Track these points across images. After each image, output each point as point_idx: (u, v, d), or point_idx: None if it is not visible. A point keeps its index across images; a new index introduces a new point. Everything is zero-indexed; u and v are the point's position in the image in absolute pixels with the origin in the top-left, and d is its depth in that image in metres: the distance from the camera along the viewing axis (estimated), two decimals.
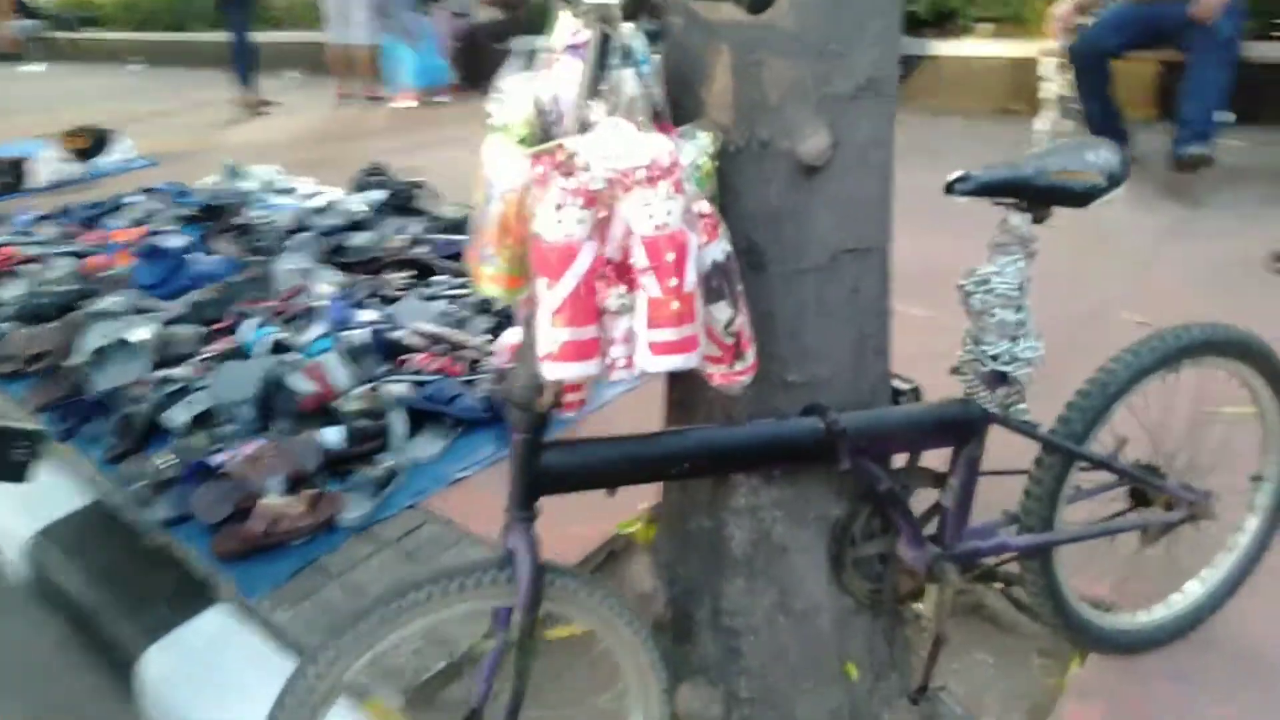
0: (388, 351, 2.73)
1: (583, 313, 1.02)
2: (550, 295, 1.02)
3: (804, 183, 1.24)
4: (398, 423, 2.43)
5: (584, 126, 1.10)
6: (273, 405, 2.47)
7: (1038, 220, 1.29)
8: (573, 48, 1.13)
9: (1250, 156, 4.43)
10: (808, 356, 1.34)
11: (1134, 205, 3.86)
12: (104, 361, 2.76)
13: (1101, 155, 1.26)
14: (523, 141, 1.19)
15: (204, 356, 2.74)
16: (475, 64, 7.78)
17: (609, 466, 1.23)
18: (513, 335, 2.99)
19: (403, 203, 3.97)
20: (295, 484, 2.22)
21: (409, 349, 2.71)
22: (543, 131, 1.21)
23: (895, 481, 1.37)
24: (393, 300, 3.05)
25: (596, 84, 1.10)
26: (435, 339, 2.67)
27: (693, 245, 1.04)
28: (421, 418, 2.48)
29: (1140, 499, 1.56)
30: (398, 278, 3.18)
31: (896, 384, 1.46)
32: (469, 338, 2.73)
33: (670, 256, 1.02)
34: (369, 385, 2.49)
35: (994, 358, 1.32)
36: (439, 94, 7.66)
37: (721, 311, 1.10)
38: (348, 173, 4.48)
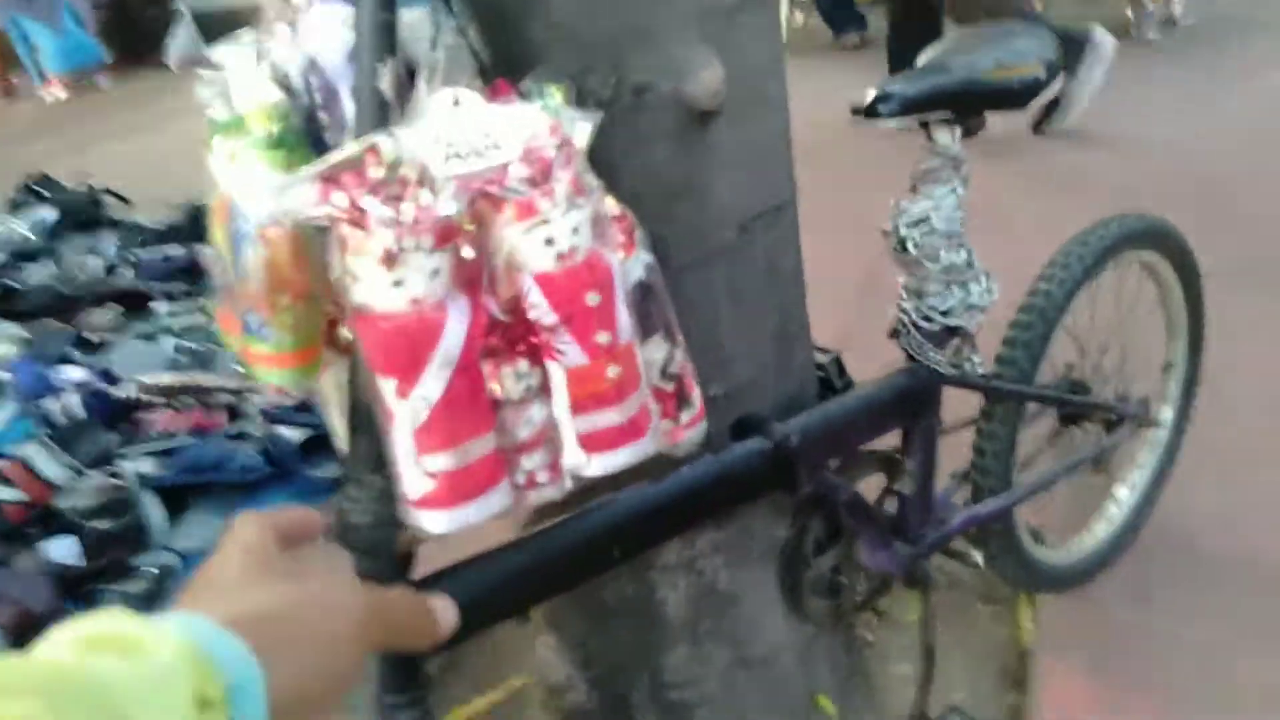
0: (112, 417, 2.12)
1: (467, 420, 0.63)
2: (407, 404, 0.62)
3: (697, 137, 0.90)
4: (153, 511, 1.87)
5: (380, 107, 0.69)
6: None
7: (969, 133, 1.03)
8: None
9: None
10: (728, 362, 1.02)
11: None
12: None
13: (1035, 41, 1.01)
14: (279, 146, 0.76)
15: None
16: (131, 33, 6.57)
17: (513, 589, 0.86)
18: None
19: (84, 219, 3.18)
20: (23, 630, 1.64)
21: (140, 406, 2.11)
22: (303, 124, 0.78)
23: (849, 484, 1.10)
24: (101, 347, 2.39)
25: (388, 33, 0.69)
26: (175, 390, 2.09)
27: (617, 270, 0.67)
28: (182, 495, 1.94)
29: (1071, 420, 1.41)
30: (101, 317, 2.50)
31: (818, 357, 1.18)
32: (219, 379, 2.17)
33: (592, 298, 0.65)
34: (101, 471, 1.90)
35: (944, 312, 1.07)
36: (93, 76, 6.42)
37: (656, 350, 0.75)
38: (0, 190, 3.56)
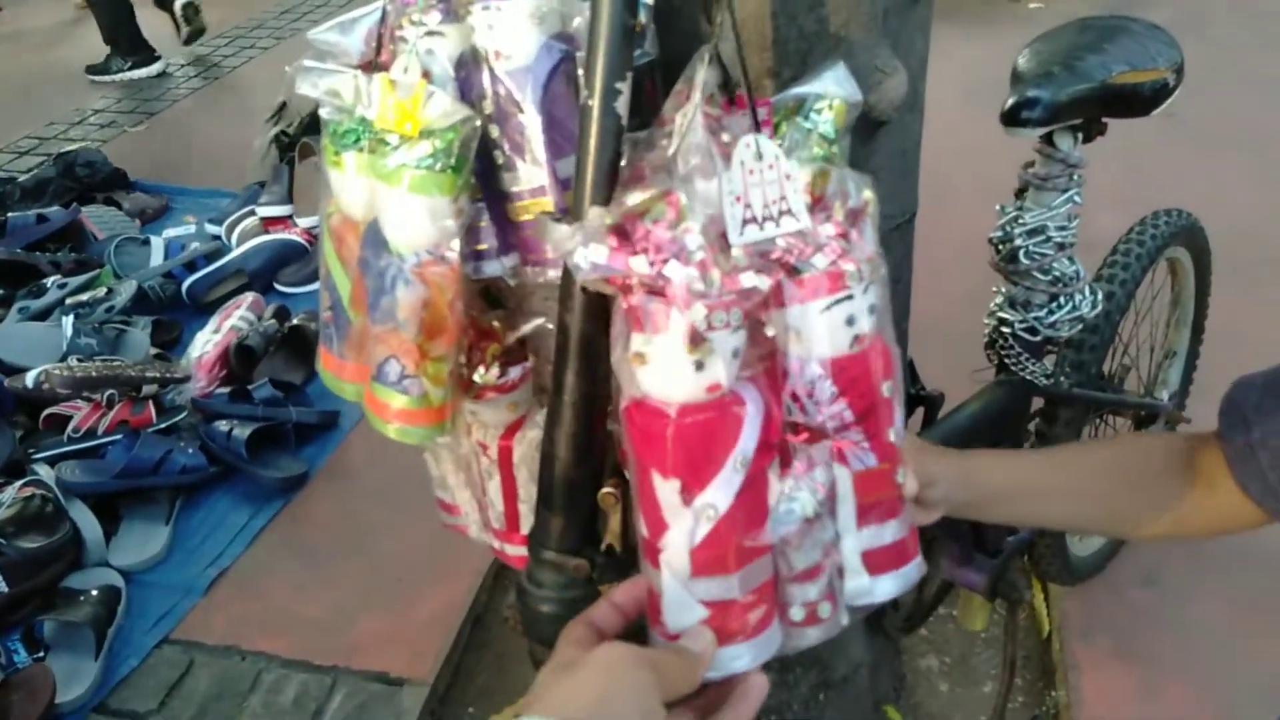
0: (9, 411, 1.84)
1: (753, 538, 0.53)
2: (689, 514, 0.52)
3: (861, 150, 0.81)
4: (85, 523, 1.64)
5: (618, 137, 0.56)
6: None
7: (1089, 139, 0.99)
8: None
9: None
10: None
11: None
12: None
13: (1162, 44, 0.97)
14: (457, 170, 0.61)
15: None
16: None
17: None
18: (204, 343, 2.20)
19: None
20: None
21: (45, 401, 1.84)
22: (476, 143, 0.63)
23: None
24: None
25: (629, 42, 0.56)
26: (91, 383, 1.83)
27: (895, 352, 0.58)
28: (113, 505, 1.71)
29: (1100, 416, 1.42)
30: None
31: None
32: (140, 365, 1.92)
33: (888, 388, 0.56)
34: (18, 480, 1.64)
35: (1051, 325, 1.03)
36: None
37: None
38: None
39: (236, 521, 1.74)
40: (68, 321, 2.03)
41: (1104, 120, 0.98)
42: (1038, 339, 1.05)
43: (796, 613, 0.56)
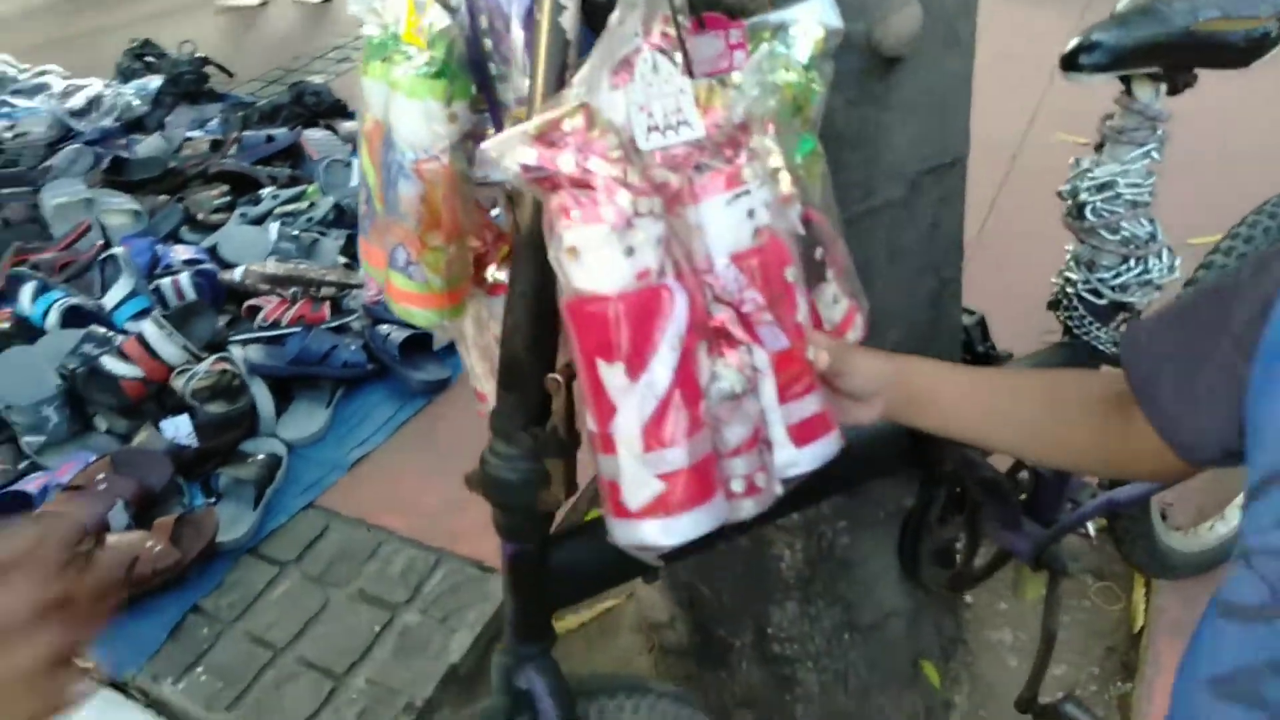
0: (219, 301, 2.15)
1: (693, 412, 0.59)
2: (635, 393, 0.57)
3: (877, 84, 0.82)
4: (262, 398, 1.91)
5: (562, 48, 0.62)
6: (86, 400, 1.89)
7: (1175, 91, 0.92)
8: None
9: None
10: (878, 321, 0.95)
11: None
12: None
13: None
14: (441, 75, 0.70)
15: None
16: None
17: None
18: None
19: (188, 89, 3.18)
20: (143, 506, 1.71)
21: (249, 293, 2.14)
22: (466, 53, 0.72)
23: (986, 460, 1.05)
24: (209, 228, 2.41)
25: None
26: (282, 279, 2.11)
27: (791, 243, 0.62)
28: (286, 386, 1.97)
29: None
30: (208, 196, 2.51)
31: (963, 319, 1.11)
32: (324, 270, 2.18)
33: (791, 273, 0.60)
34: (214, 355, 1.94)
35: (1116, 287, 0.98)
36: None
37: (827, 290, 0.70)
38: (104, 56, 3.56)
39: (383, 414, 1.95)
40: (274, 227, 2.33)
41: (1194, 71, 0.91)
42: (1103, 302, 1.00)
43: (737, 484, 0.62)
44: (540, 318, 0.68)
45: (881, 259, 0.93)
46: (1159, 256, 0.97)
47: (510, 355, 0.70)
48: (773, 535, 1.08)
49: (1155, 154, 0.94)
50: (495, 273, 0.83)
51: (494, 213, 0.84)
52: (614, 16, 0.58)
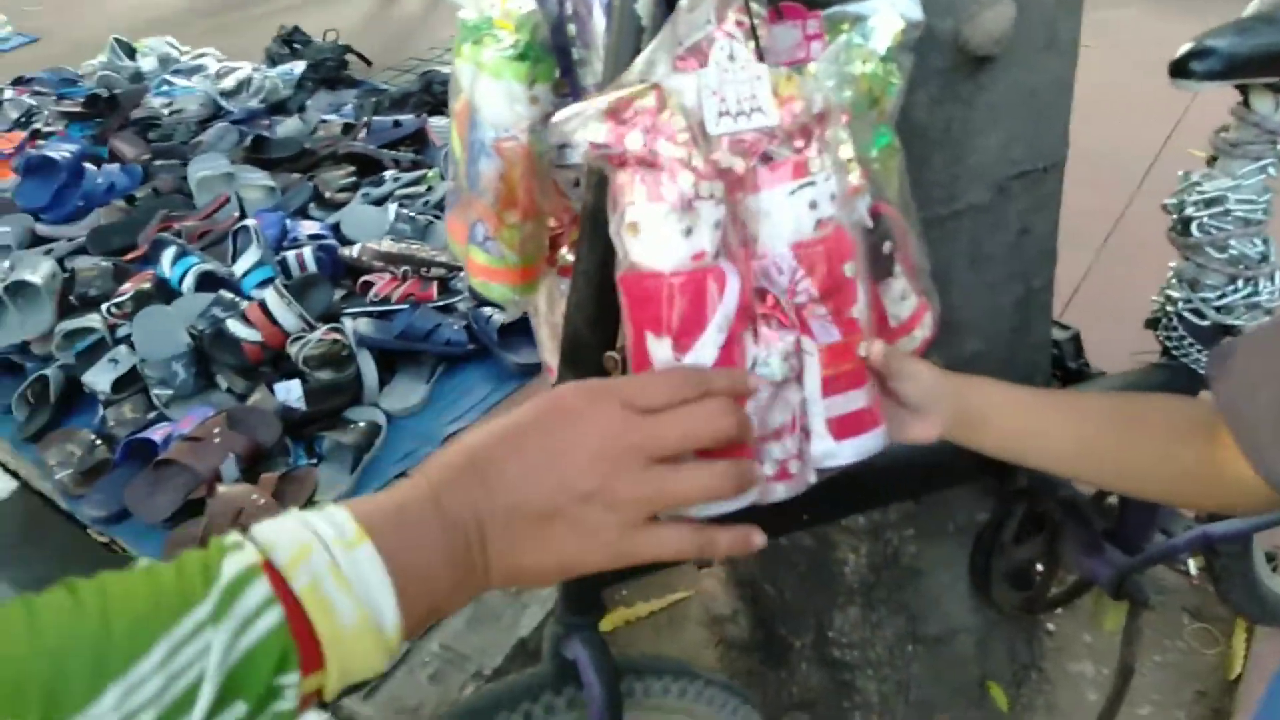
0: (336, 275, 2.26)
1: None
2: None
3: (965, 83, 0.80)
4: (368, 369, 2.01)
5: (635, 32, 0.64)
6: (211, 359, 2.03)
7: None
8: None
9: None
10: (955, 331, 0.94)
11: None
12: (1, 312, 2.27)
13: None
14: (524, 58, 0.73)
15: (119, 299, 2.25)
16: None
17: None
18: None
19: (328, 74, 3.35)
20: (252, 461, 1.83)
21: (364, 269, 2.24)
22: (549, 36, 0.74)
23: (1068, 480, 1.01)
24: (334, 206, 2.54)
25: None
26: (395, 258, 2.20)
27: (857, 236, 0.62)
28: (391, 359, 2.06)
29: None
30: (336, 175, 2.65)
31: (1054, 333, 1.07)
32: (435, 251, 2.27)
33: (849, 269, 0.60)
34: (327, 325, 2.04)
35: (1221, 309, 0.93)
36: None
37: (895, 285, 0.69)
38: (258, 40, 3.79)
39: (480, 392, 2.02)
40: (393, 208, 2.43)
41: None
42: (1206, 324, 0.94)
43: (769, 467, 0.62)
44: (601, 296, 0.69)
45: (963, 264, 0.91)
46: (1270, 279, 0.91)
47: (572, 332, 0.72)
48: (837, 537, 1.07)
49: (1272, 169, 0.88)
50: (566, 254, 0.85)
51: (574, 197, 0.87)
52: (684, 1, 0.59)
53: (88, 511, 1.78)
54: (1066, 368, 1.07)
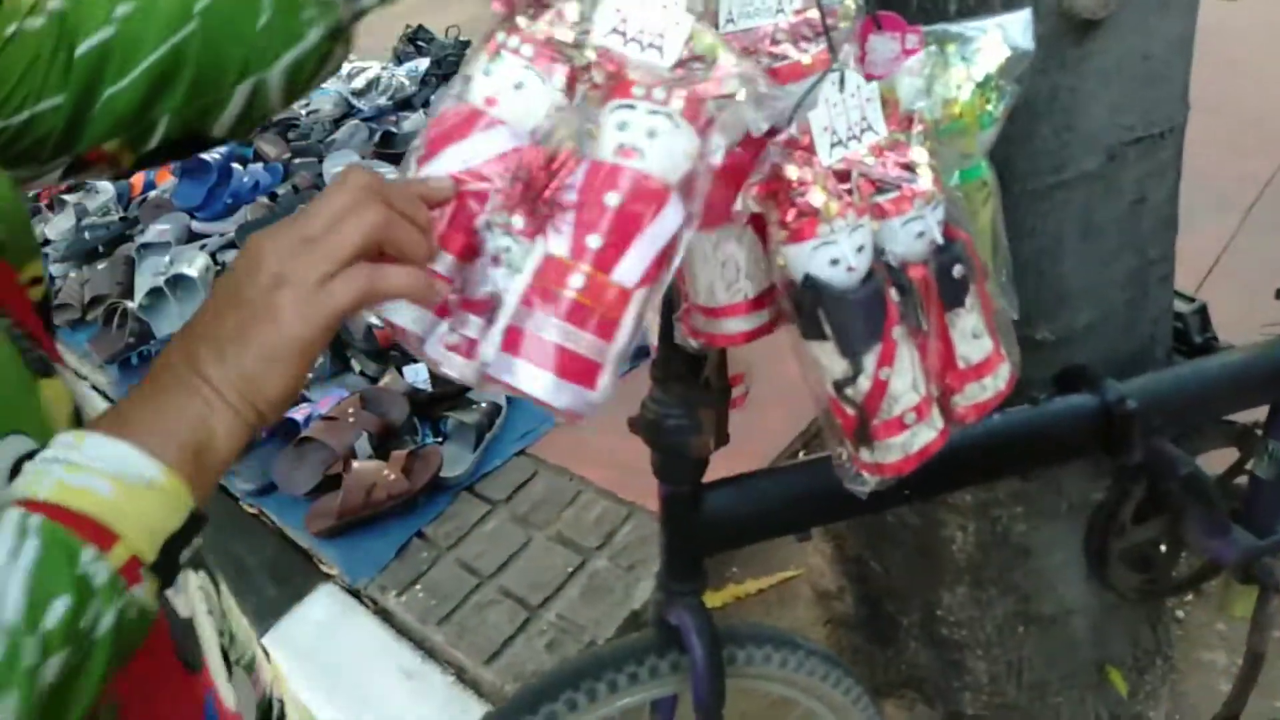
0: None
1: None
2: None
3: (1073, 50, 0.78)
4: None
5: None
6: (346, 344, 2.16)
7: None
8: None
9: None
10: (1066, 302, 0.92)
11: None
12: (162, 302, 2.48)
13: None
14: None
15: None
16: None
17: (796, 505, 0.86)
18: None
19: (451, 69, 3.48)
20: (383, 439, 1.94)
21: None
22: None
23: (1189, 458, 0.97)
24: None
25: None
26: None
27: (675, 205, 0.53)
28: None
29: None
30: None
31: (1178, 305, 1.03)
32: None
33: (611, 198, 0.52)
34: None
35: None
36: None
37: (831, 359, 0.63)
38: (384, 40, 3.97)
39: None
40: None
41: None
42: None
43: (450, 336, 0.55)
44: None
45: (1074, 235, 0.88)
46: None
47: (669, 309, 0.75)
48: (944, 515, 1.06)
49: None
50: None
51: None
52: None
53: (239, 485, 1.94)
54: (1191, 341, 1.03)
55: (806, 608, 1.51)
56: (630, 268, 0.53)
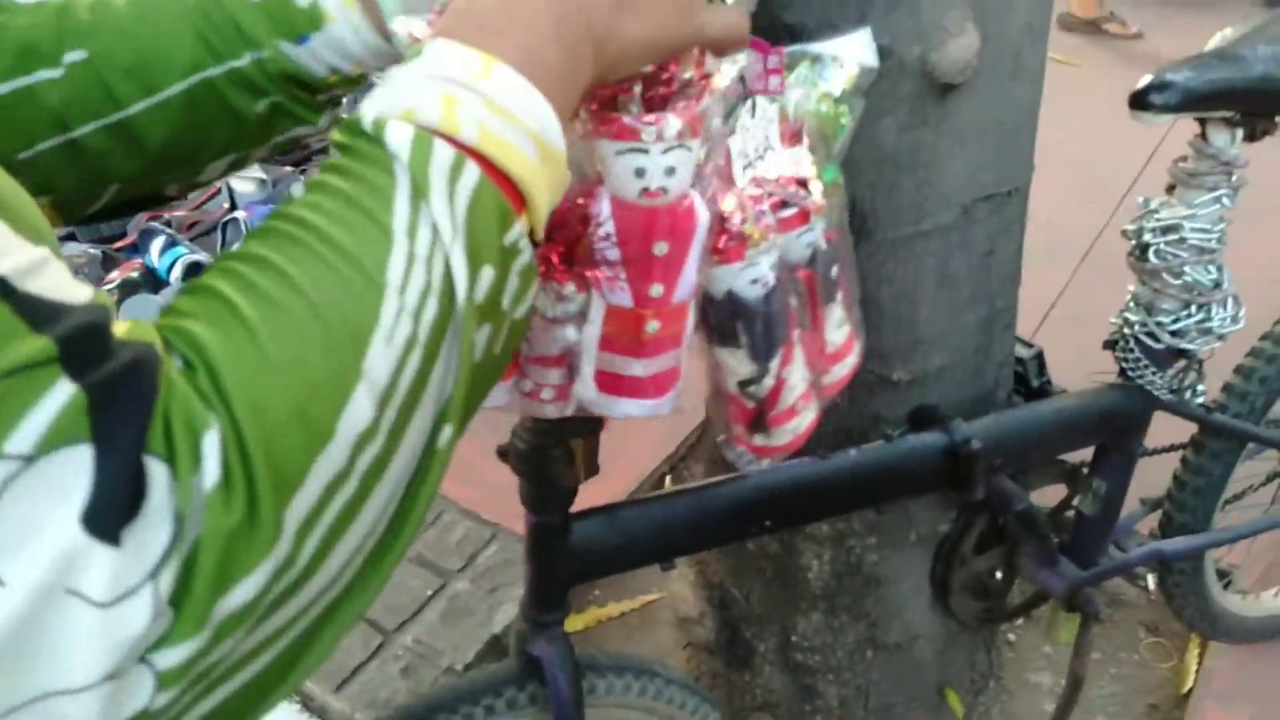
0: None
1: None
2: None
3: (933, 110, 0.83)
4: None
5: None
6: None
7: (1252, 138, 0.90)
8: None
9: None
10: (921, 346, 0.97)
11: None
12: None
13: None
14: None
15: (105, 286, 2.26)
16: None
17: (666, 535, 0.87)
18: None
19: None
20: None
21: None
22: None
23: (1024, 493, 1.04)
24: None
25: None
26: None
27: (702, 227, 0.57)
28: None
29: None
30: None
31: (1018, 350, 1.10)
32: None
33: (660, 248, 0.55)
34: None
35: (1175, 333, 0.96)
36: None
37: (738, 362, 0.66)
38: None
39: None
40: None
41: (1276, 120, 0.88)
42: (1160, 347, 0.98)
43: (526, 385, 0.62)
44: None
45: (930, 283, 0.94)
46: (1223, 305, 0.95)
47: None
48: (802, 544, 1.09)
49: (1227, 200, 0.91)
50: None
51: None
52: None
53: None
54: (1029, 385, 1.11)
55: (667, 631, 1.52)
56: (687, 282, 0.57)
